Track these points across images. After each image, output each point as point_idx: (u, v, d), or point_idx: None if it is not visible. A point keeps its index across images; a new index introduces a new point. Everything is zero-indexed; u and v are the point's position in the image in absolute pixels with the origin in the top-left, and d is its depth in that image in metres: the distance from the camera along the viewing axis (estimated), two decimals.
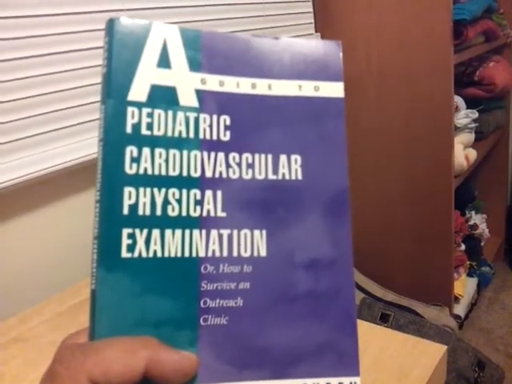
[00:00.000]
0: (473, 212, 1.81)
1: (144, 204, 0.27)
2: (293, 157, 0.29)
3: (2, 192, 0.75)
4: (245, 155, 0.29)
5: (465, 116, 1.46)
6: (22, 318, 0.71)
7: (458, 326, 1.30)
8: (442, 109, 1.27)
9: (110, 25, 0.28)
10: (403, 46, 1.27)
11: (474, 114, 1.50)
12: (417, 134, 1.32)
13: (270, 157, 0.29)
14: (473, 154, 1.50)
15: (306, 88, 0.30)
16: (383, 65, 1.31)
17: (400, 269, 1.48)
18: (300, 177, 0.29)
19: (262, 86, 0.30)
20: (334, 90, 0.31)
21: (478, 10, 1.34)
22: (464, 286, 1.62)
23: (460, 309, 1.58)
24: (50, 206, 0.86)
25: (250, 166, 0.29)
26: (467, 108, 1.50)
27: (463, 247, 1.62)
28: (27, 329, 0.68)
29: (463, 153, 1.43)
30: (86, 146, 0.85)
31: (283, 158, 0.29)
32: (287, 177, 0.29)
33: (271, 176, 0.29)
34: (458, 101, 1.44)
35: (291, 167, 0.29)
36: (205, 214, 0.27)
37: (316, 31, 1.38)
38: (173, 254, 0.27)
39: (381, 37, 1.30)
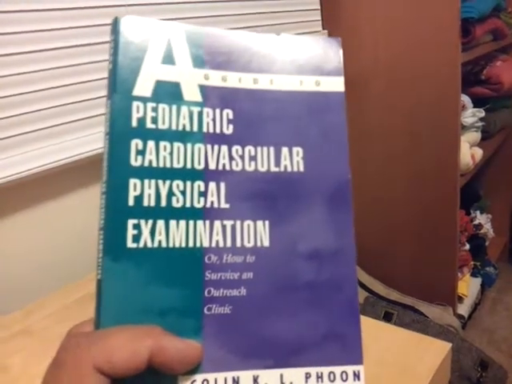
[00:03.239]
0: (478, 212, 1.80)
1: (149, 195, 0.27)
2: (294, 149, 0.30)
3: (6, 186, 0.76)
4: (247, 148, 0.29)
5: (471, 115, 1.46)
6: (27, 311, 0.71)
7: (461, 326, 1.30)
8: (449, 107, 1.26)
9: (116, 23, 0.28)
10: (410, 43, 1.27)
11: (481, 113, 1.50)
12: (423, 133, 1.32)
13: (272, 149, 0.30)
14: (479, 152, 1.50)
15: (307, 83, 0.31)
16: (390, 62, 1.31)
17: (404, 268, 1.48)
18: (302, 169, 0.30)
19: (264, 81, 0.30)
20: (335, 84, 0.31)
21: (487, 8, 1.33)
22: (468, 286, 1.62)
23: (463, 309, 1.57)
24: (54, 201, 0.86)
25: (253, 158, 0.29)
26: (474, 107, 1.49)
27: (467, 247, 1.62)
28: (33, 322, 0.69)
29: (469, 151, 1.43)
30: (89, 142, 0.85)
31: (285, 150, 0.30)
32: (289, 169, 0.30)
33: (273, 168, 0.29)
34: (465, 99, 1.44)
35: (293, 159, 0.30)
36: (208, 205, 0.28)
37: (323, 29, 1.38)
38: (177, 245, 0.27)
39: (388, 34, 1.29)
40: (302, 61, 0.31)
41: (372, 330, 0.61)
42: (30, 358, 0.61)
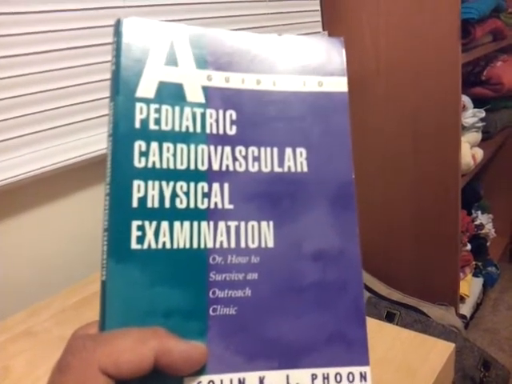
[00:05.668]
0: (479, 212, 1.80)
1: (153, 197, 0.27)
2: (298, 150, 0.30)
3: (9, 188, 0.76)
4: (251, 148, 0.29)
5: (472, 115, 1.46)
6: (30, 313, 0.71)
7: (463, 326, 1.30)
8: (450, 108, 1.27)
9: (118, 25, 0.28)
10: (411, 44, 1.27)
11: (482, 114, 1.50)
12: (424, 133, 1.32)
13: (275, 150, 0.30)
14: (479, 153, 1.50)
15: (310, 83, 0.31)
16: (391, 63, 1.31)
17: (406, 268, 1.48)
18: (305, 169, 0.30)
19: (267, 82, 0.30)
20: (338, 84, 0.31)
21: (487, 9, 1.34)
22: (470, 286, 1.62)
23: (465, 309, 1.57)
24: (55, 203, 0.86)
25: (256, 159, 0.29)
26: (474, 107, 1.49)
27: (469, 247, 1.62)
28: (35, 323, 0.69)
29: (470, 152, 1.43)
30: (91, 143, 0.85)
31: (288, 151, 0.30)
32: (293, 169, 0.30)
33: (277, 169, 0.29)
34: (466, 100, 1.44)
35: (296, 160, 0.30)
36: (212, 206, 0.28)
37: (323, 29, 1.38)
38: (181, 246, 0.27)
39: (388, 35, 1.29)
40: (304, 61, 0.31)
41: (375, 330, 0.61)
42: (33, 359, 0.61)
